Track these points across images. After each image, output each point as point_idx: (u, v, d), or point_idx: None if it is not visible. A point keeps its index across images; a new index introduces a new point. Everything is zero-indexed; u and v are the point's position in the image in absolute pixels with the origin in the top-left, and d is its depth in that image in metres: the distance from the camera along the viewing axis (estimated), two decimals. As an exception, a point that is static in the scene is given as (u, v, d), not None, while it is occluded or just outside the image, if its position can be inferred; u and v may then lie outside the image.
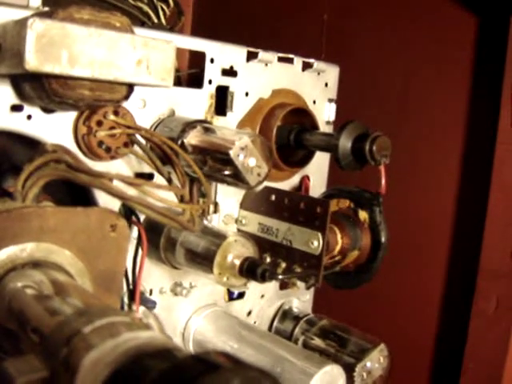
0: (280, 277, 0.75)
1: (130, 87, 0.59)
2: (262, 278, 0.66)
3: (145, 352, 0.36)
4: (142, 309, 0.69)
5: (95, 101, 0.57)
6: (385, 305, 1.09)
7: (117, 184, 0.57)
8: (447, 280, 1.02)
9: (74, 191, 0.67)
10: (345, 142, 0.75)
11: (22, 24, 0.51)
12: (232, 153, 0.64)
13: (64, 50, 0.52)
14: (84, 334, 0.39)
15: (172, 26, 1.29)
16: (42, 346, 0.41)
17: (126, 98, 0.59)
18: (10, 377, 0.37)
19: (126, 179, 0.58)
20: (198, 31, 1.45)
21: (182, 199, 0.63)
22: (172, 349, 0.37)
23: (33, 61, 0.50)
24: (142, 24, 1.19)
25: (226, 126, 0.79)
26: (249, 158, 0.66)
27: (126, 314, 0.44)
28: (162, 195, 0.60)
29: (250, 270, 0.67)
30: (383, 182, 0.75)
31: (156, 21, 1.23)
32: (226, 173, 0.67)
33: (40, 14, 0.55)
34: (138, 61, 0.56)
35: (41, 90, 0.55)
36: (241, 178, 0.66)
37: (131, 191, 0.59)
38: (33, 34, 0.50)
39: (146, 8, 1.23)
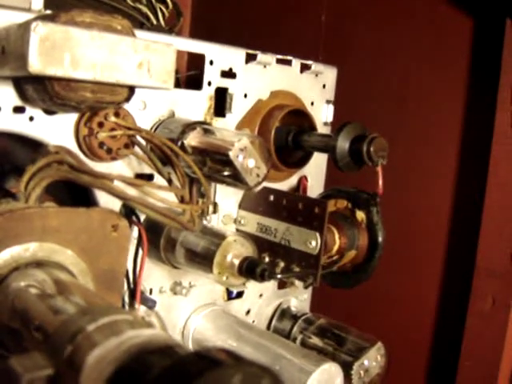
0: (279, 276, 0.76)
1: (131, 89, 0.60)
2: (261, 278, 0.67)
3: (147, 349, 0.37)
4: (143, 307, 0.70)
5: (97, 103, 0.58)
6: (382, 304, 1.10)
7: (118, 184, 0.58)
8: (444, 279, 1.02)
9: (75, 191, 0.68)
10: (342, 143, 0.76)
11: (25, 28, 0.51)
12: (231, 154, 0.65)
13: (66, 53, 0.52)
14: (88, 331, 0.40)
15: (171, 28, 1.29)
16: (46, 344, 0.42)
17: (127, 100, 0.60)
18: (16, 374, 0.38)
19: (128, 180, 0.59)
20: (196, 32, 1.45)
21: (182, 199, 0.63)
22: (174, 346, 0.38)
23: (36, 64, 0.51)
24: (141, 25, 1.20)
25: (225, 127, 0.80)
26: (248, 159, 0.66)
27: (129, 312, 0.45)
28: (163, 196, 0.61)
29: (250, 270, 0.68)
30: (380, 182, 0.76)
31: (155, 22, 1.24)
32: (226, 173, 0.67)
33: (43, 18, 0.56)
34: (139, 63, 0.57)
35: (43, 92, 0.56)
36: (240, 178, 0.67)
37: (131, 191, 0.60)
38: (36, 38, 0.51)
39: (144, 9, 1.24)
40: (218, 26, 1.41)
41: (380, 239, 0.81)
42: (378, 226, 0.81)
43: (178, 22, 1.32)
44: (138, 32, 0.61)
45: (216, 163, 0.68)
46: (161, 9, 1.27)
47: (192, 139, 0.69)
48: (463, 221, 1.00)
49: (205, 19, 1.45)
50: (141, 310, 0.69)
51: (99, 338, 0.39)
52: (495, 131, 0.91)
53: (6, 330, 0.50)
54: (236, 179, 0.67)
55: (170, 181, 0.66)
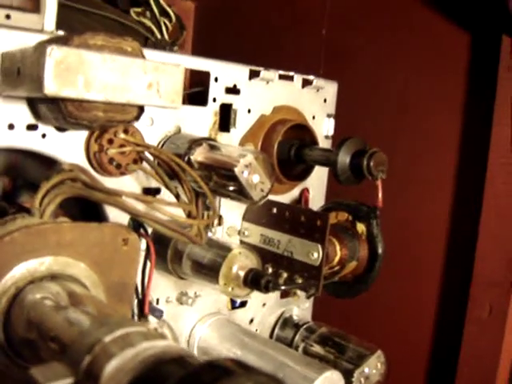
0: (282, 287, 0.78)
1: (141, 108, 0.62)
2: (266, 289, 0.69)
3: (162, 360, 0.39)
4: (155, 319, 0.72)
5: (108, 121, 0.60)
6: (382, 313, 1.12)
7: (127, 199, 0.61)
8: (442, 288, 1.04)
9: (85, 205, 0.70)
10: (343, 158, 0.78)
11: (40, 51, 0.54)
12: (237, 170, 0.67)
13: (80, 76, 0.55)
14: (105, 343, 0.42)
15: (174, 41, 1.32)
16: (64, 354, 0.44)
17: (137, 118, 0.63)
18: (38, 383, 0.40)
19: (139, 197, 0.62)
20: (199, 45, 1.48)
21: (189, 214, 0.66)
22: (187, 356, 0.40)
23: (51, 86, 0.53)
24: (146, 39, 1.22)
25: (230, 141, 0.83)
26: (253, 175, 0.69)
27: (142, 324, 0.47)
28: (171, 211, 0.63)
29: (254, 281, 0.69)
30: (380, 195, 0.78)
31: (159, 36, 1.26)
32: (231, 188, 0.70)
33: (56, 40, 0.58)
34: (148, 84, 0.59)
35: (57, 112, 0.58)
36: (245, 193, 0.69)
37: (140, 206, 0.62)
38: (51, 61, 0.53)
39: (148, 23, 1.26)
40: (220, 39, 1.43)
41: (380, 251, 0.83)
42: (377, 238, 0.83)
43: (181, 36, 1.35)
44: (146, 51, 0.63)
45: (221, 178, 0.70)
46: (164, 22, 1.30)
47: (198, 155, 0.72)
48: (461, 230, 1.02)
49: (207, 32, 1.47)
50: (153, 321, 0.71)
51: (116, 349, 0.41)
52: (492, 144, 0.93)
53: (23, 341, 0.52)
54: (241, 194, 0.70)
55: (177, 195, 0.68)
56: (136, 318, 0.70)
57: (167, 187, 0.68)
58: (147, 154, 0.69)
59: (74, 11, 1.06)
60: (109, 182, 0.68)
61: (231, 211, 0.86)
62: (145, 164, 0.69)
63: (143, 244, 0.72)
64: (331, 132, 0.96)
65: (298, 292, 0.94)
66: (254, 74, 0.84)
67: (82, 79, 0.55)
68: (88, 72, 0.55)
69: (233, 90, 0.82)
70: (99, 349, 0.42)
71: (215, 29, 1.47)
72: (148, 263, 0.72)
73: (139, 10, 1.27)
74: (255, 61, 0.85)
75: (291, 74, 0.89)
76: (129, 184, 0.72)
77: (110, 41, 0.59)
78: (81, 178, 0.57)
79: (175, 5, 1.43)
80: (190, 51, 1.50)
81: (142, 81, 0.59)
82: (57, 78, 0.53)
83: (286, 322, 0.95)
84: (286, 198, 0.91)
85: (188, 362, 0.39)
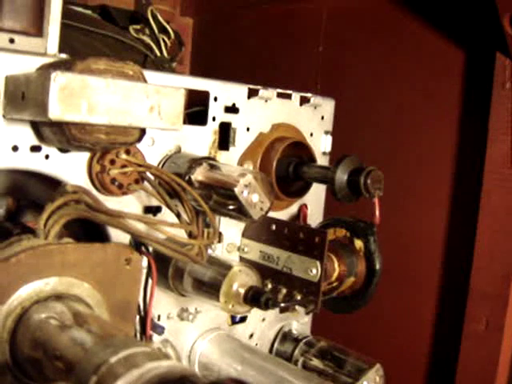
0: (282, 305, 0.79)
1: (143, 130, 0.64)
2: (266, 306, 0.70)
3: (167, 380, 0.41)
4: (159, 338, 0.73)
5: (110, 144, 0.62)
6: (380, 326, 1.12)
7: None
8: (439, 302, 1.05)
9: (88, 224, 0.71)
10: (341, 176, 0.79)
11: (45, 77, 0.55)
12: (237, 190, 0.69)
13: (83, 100, 0.56)
14: (111, 363, 0.43)
15: (173, 57, 1.33)
16: (71, 374, 0.46)
17: (139, 140, 0.64)
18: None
19: (142, 219, 0.63)
20: (197, 60, 1.49)
21: (190, 234, 0.67)
22: (190, 376, 0.41)
23: (56, 111, 0.54)
24: (145, 57, 1.23)
25: (229, 160, 0.84)
26: (252, 194, 0.70)
27: (146, 344, 0.48)
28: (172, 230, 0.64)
29: (254, 299, 0.70)
30: (377, 213, 0.80)
31: (158, 53, 1.27)
32: (231, 207, 0.71)
33: (59, 65, 0.60)
34: (150, 107, 0.61)
35: (60, 134, 0.59)
36: (244, 212, 0.70)
37: (141, 225, 0.63)
38: (56, 87, 0.54)
39: (147, 40, 1.28)
40: (219, 55, 1.45)
41: (377, 266, 0.85)
42: (375, 255, 0.84)
43: (179, 52, 1.36)
44: (148, 72, 0.65)
45: (221, 197, 0.71)
46: (163, 39, 1.31)
47: (199, 174, 0.73)
48: (457, 245, 1.03)
49: (206, 48, 1.49)
50: (156, 340, 0.72)
51: (121, 369, 0.42)
52: (487, 160, 0.95)
53: (29, 360, 0.53)
54: (240, 213, 0.71)
55: (178, 214, 0.69)
56: (138, 335, 0.71)
57: (168, 206, 0.70)
58: (148, 174, 0.70)
59: (74, 30, 1.08)
60: (111, 202, 0.69)
61: (231, 228, 0.87)
62: (146, 184, 0.71)
63: (145, 261, 0.73)
64: (329, 149, 0.97)
65: (297, 307, 0.95)
66: (252, 93, 0.85)
67: (86, 103, 0.56)
68: (91, 96, 0.57)
69: (232, 109, 0.84)
70: (105, 369, 0.43)
71: (213, 45, 1.48)
72: (150, 281, 0.73)
73: (138, 26, 1.29)
74: (252, 76, 0.86)
75: (289, 92, 0.90)
76: (130, 203, 0.74)
77: (112, 65, 0.61)
78: (84, 200, 0.59)
79: (174, 21, 1.45)
80: (189, 67, 1.51)
81: (144, 104, 0.61)
82: (61, 102, 0.55)
83: (285, 336, 0.96)
84: (284, 214, 0.93)
85: (192, 382, 0.40)
